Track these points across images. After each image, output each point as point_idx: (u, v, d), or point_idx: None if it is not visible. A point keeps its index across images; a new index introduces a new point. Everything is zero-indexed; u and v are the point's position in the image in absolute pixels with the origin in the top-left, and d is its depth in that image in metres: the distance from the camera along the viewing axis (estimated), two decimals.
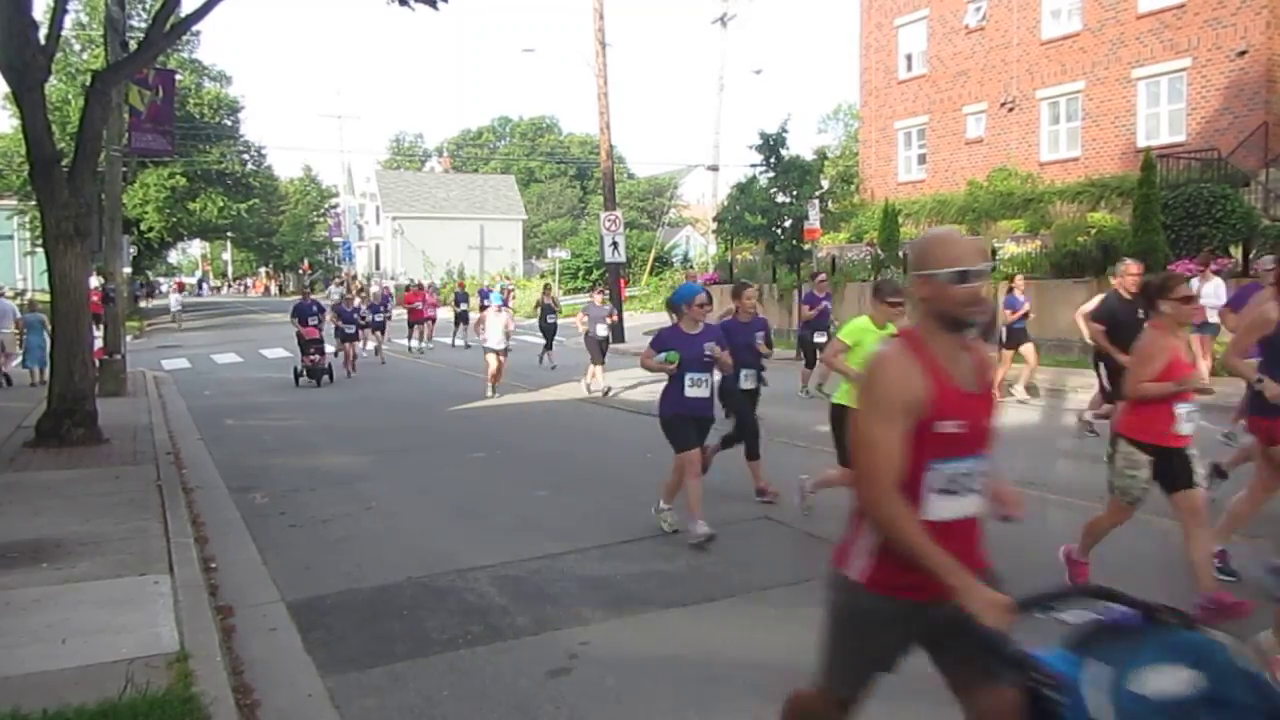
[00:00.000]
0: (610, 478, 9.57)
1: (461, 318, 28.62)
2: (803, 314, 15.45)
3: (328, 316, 20.52)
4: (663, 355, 7.06)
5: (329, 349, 19.57)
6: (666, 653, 4.97)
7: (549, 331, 21.40)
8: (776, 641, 5.06)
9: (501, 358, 16.08)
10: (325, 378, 18.72)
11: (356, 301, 22.89)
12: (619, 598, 5.77)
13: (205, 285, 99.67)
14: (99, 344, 15.78)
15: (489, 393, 16.03)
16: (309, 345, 18.69)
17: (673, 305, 7.39)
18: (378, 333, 24.32)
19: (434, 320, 27.96)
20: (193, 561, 6.29)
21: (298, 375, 18.90)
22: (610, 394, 15.82)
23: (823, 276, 16.37)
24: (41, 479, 9.10)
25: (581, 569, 6.34)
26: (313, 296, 20.67)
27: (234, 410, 15.14)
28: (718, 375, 7.75)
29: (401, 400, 16.33)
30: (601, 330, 16.64)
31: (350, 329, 20.61)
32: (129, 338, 21.82)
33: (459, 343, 27.81)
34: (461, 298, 29.36)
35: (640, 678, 4.65)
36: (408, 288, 31.02)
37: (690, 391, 7.09)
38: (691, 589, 5.90)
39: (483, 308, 32.05)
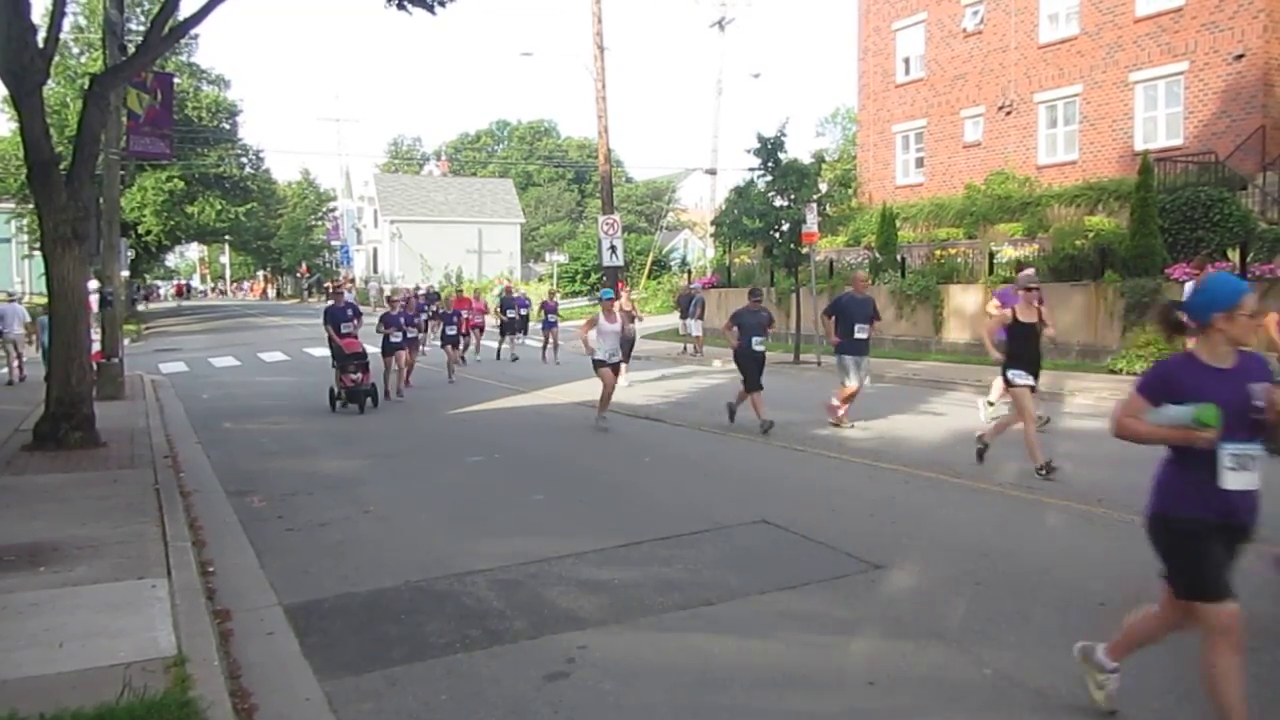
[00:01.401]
0: (608, 481, 9.57)
1: (509, 327, 25.29)
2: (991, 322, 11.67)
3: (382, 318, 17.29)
4: (1180, 412, 3.73)
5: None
6: (664, 657, 4.97)
7: (625, 348, 18.12)
8: (774, 645, 5.07)
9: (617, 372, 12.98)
10: (369, 402, 14.92)
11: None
12: (617, 602, 5.77)
13: (191, 288, 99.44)
14: (96, 347, 15.78)
15: (601, 423, 12.66)
16: (349, 360, 14.70)
17: (1195, 315, 3.90)
18: (450, 346, 20.56)
19: (482, 329, 25.08)
20: (190, 565, 6.28)
21: (335, 398, 14.98)
22: (769, 430, 11.94)
23: (1030, 271, 11.35)
24: (39, 482, 9.10)
25: (579, 573, 6.34)
26: (349, 298, 16.59)
27: (232, 413, 15.13)
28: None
29: (399, 403, 16.30)
30: (759, 344, 12.39)
31: (398, 338, 16.60)
32: (126, 341, 21.84)
33: (509, 354, 24.62)
34: (508, 304, 25.95)
35: (638, 682, 4.64)
36: (421, 291, 28.22)
37: (1232, 479, 3.80)
38: (690, 593, 5.89)
39: (519, 317, 25.88)
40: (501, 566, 6.48)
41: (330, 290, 17.55)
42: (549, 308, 25.22)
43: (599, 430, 12.49)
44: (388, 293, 34.95)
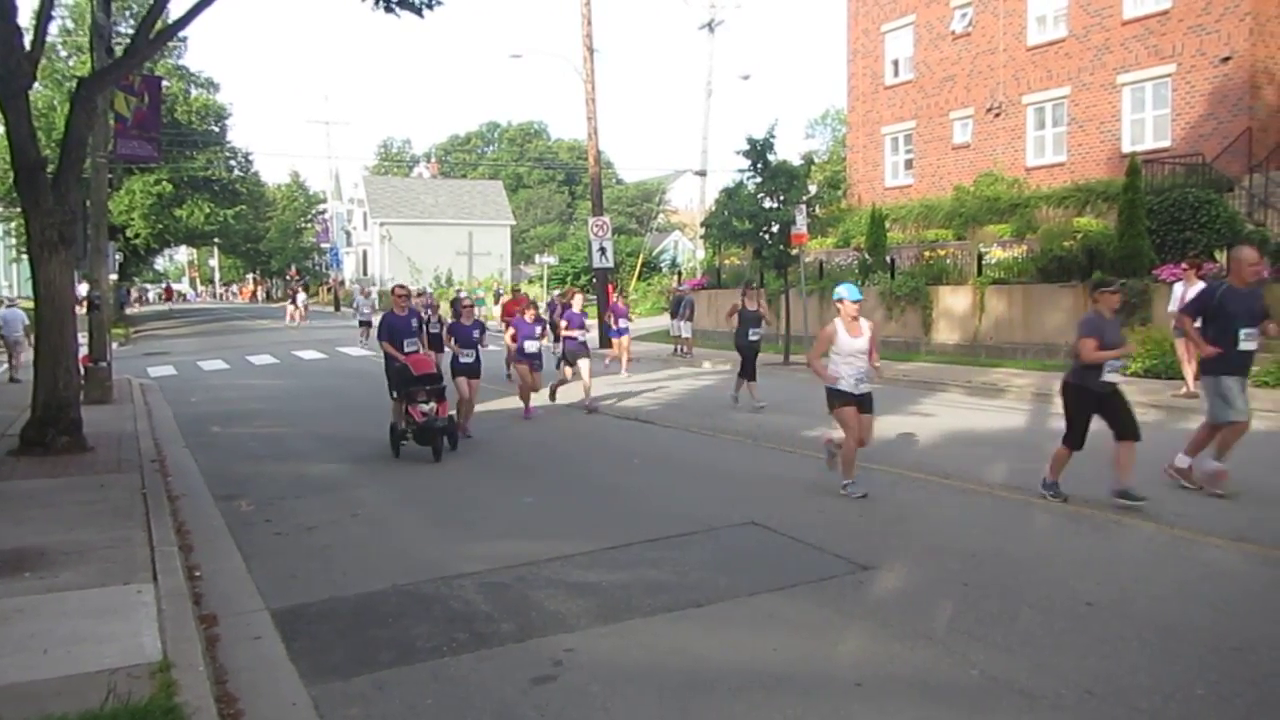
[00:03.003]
0: (597, 484, 9.56)
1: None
2: None
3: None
4: None
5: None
6: (651, 659, 4.97)
7: (748, 351, 14.60)
8: (762, 647, 5.07)
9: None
10: (446, 442, 10.96)
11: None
12: (604, 604, 5.76)
13: (172, 290, 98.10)
14: (84, 351, 15.73)
15: (852, 489, 8.28)
16: (418, 385, 10.99)
17: None
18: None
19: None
20: (177, 570, 6.26)
21: (399, 438, 11.18)
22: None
23: None
24: (25, 488, 9.05)
25: (567, 575, 6.33)
26: (412, 303, 12.94)
27: (220, 417, 15.08)
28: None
29: (388, 407, 16.23)
30: (1112, 373, 7.85)
31: (470, 357, 12.59)
32: (115, 344, 21.78)
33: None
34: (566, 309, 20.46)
35: (625, 684, 4.64)
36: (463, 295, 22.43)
37: None
38: (677, 595, 5.89)
39: (559, 324, 17.62)
40: (489, 569, 6.48)
41: (397, 292, 12.13)
42: (619, 312, 21.00)
43: (850, 497, 8.21)
44: (457, 295, 30.34)
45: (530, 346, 13.95)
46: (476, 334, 12.72)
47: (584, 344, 15.23)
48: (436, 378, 11.16)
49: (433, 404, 10.94)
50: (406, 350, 11.50)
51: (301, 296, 48.21)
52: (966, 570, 6.23)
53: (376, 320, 19.86)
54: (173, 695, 4.24)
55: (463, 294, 19.62)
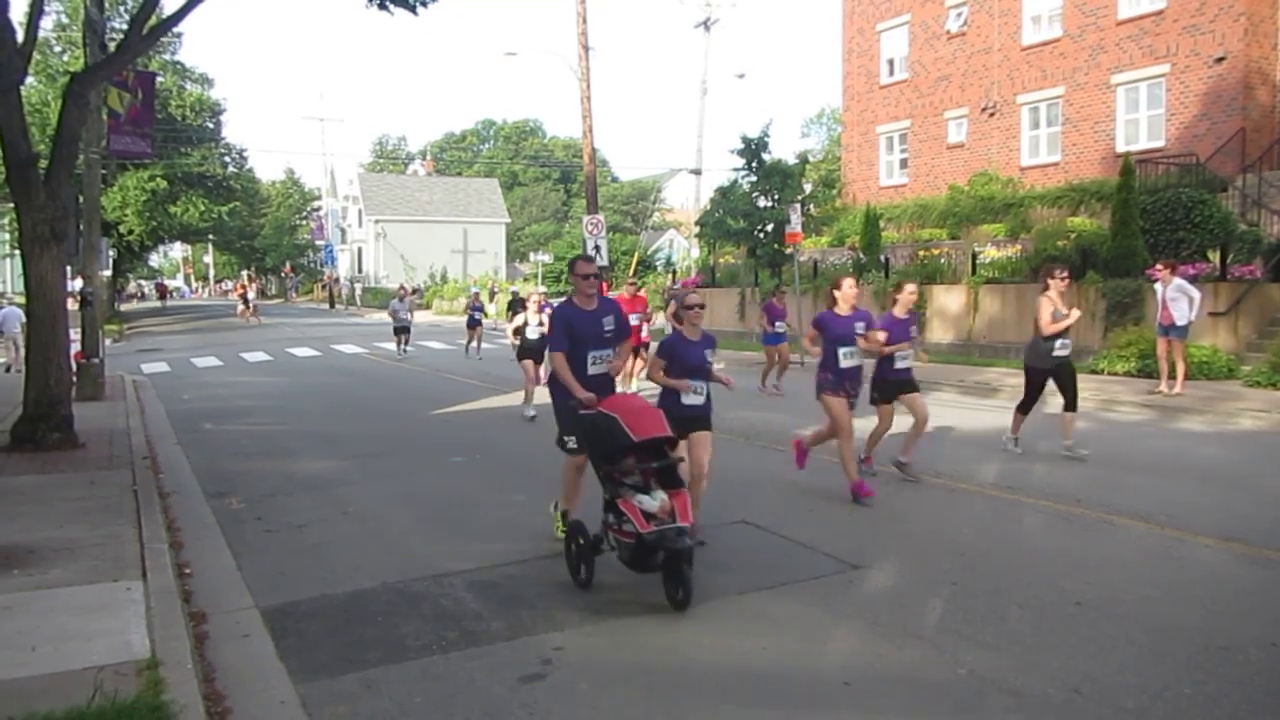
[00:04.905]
0: (590, 483, 9.51)
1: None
2: None
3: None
4: None
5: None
6: (640, 658, 4.97)
7: (1068, 370, 10.32)
8: (750, 646, 5.07)
9: None
10: (685, 563, 5.51)
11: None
12: (594, 603, 5.76)
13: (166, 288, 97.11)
14: (77, 348, 15.68)
15: None
16: (631, 458, 5.90)
17: None
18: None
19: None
20: (166, 567, 6.24)
21: (591, 553, 5.95)
22: None
23: None
24: (15, 484, 9.02)
25: (558, 574, 6.32)
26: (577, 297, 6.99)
27: (213, 414, 15.05)
28: None
29: (381, 405, 16.25)
30: None
31: (699, 396, 6.84)
32: (108, 341, 21.74)
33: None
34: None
35: (614, 683, 4.64)
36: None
37: None
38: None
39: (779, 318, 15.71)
40: (479, 568, 6.47)
41: (586, 272, 6.77)
42: (776, 313, 16.03)
43: None
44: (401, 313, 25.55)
45: (849, 360, 8.39)
46: (710, 356, 7.05)
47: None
48: (663, 442, 5.88)
49: (664, 496, 5.72)
50: (592, 371, 6.65)
51: (251, 295, 48.46)
52: (956, 569, 6.24)
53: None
54: (160, 693, 4.23)
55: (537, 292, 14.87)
